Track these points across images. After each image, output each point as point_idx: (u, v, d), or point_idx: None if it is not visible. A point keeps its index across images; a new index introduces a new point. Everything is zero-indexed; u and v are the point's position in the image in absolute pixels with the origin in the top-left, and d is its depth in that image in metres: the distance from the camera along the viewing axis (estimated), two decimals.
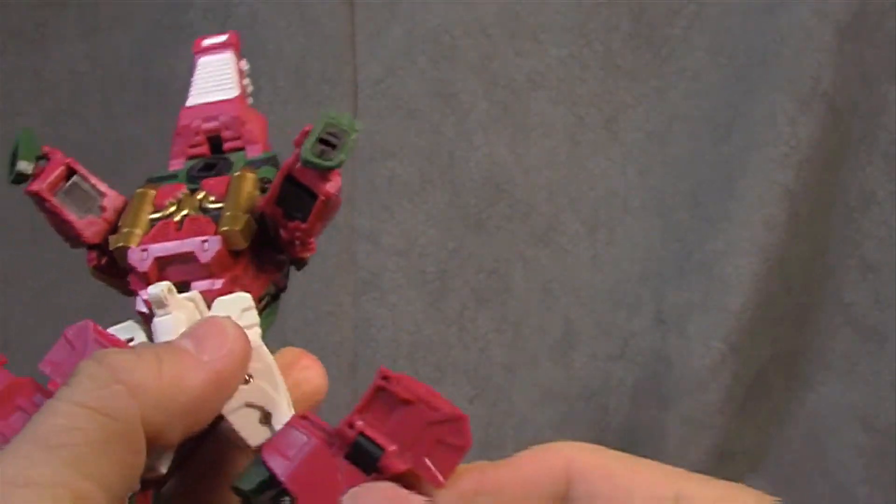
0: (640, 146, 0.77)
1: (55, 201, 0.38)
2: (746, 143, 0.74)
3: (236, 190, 0.37)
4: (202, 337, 0.32)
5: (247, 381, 0.32)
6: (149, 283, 0.35)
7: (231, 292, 0.35)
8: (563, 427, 0.75)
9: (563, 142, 0.77)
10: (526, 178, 0.77)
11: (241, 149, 0.41)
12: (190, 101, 0.43)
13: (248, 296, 0.35)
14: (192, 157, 0.41)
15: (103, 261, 0.39)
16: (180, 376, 0.30)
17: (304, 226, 0.36)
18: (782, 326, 0.76)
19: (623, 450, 0.32)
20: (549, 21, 0.77)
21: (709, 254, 0.74)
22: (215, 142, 0.41)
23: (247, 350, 0.32)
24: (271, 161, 0.39)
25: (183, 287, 0.35)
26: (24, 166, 0.38)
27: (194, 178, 0.39)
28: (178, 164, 0.41)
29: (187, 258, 0.35)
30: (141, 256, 0.36)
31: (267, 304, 0.38)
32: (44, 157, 0.39)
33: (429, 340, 0.75)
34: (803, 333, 0.77)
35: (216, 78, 0.45)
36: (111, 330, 0.35)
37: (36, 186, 0.38)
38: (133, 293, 0.37)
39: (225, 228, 0.35)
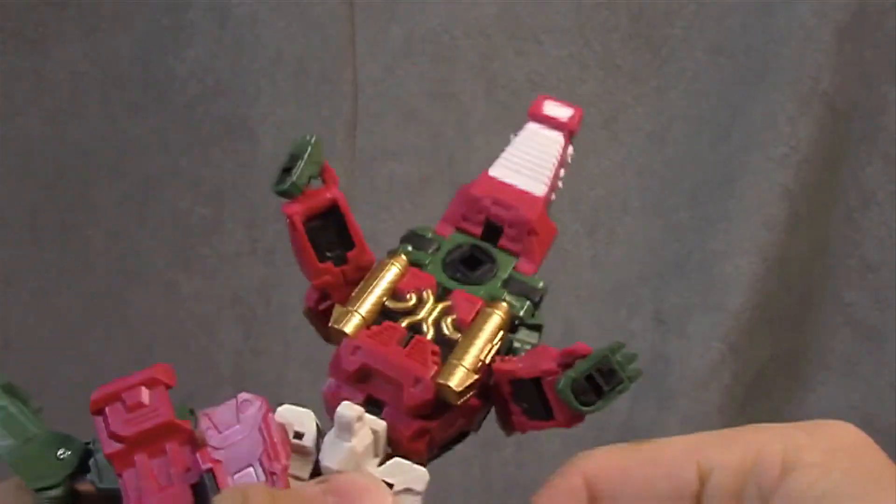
0: (640, 146, 0.77)
1: (304, 232, 0.34)
2: (746, 143, 0.74)
3: (477, 333, 0.33)
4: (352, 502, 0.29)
5: None
6: (348, 378, 0.32)
7: (418, 436, 0.32)
8: None
9: None
10: None
11: (515, 254, 0.36)
12: (494, 170, 0.38)
13: (425, 478, 0.31)
14: (460, 230, 0.37)
15: (321, 306, 0.35)
16: None
17: (523, 418, 0.33)
18: (782, 326, 0.76)
19: None
20: (549, 21, 0.77)
21: (709, 254, 0.74)
22: (492, 227, 0.37)
23: None
24: (534, 294, 0.35)
25: (374, 405, 0.32)
26: (294, 185, 0.33)
27: (449, 270, 0.35)
28: (446, 229, 0.37)
29: (394, 382, 0.32)
30: (351, 352, 0.32)
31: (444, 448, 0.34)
32: (319, 176, 0.34)
33: None
34: (803, 333, 0.77)
35: (535, 160, 0.39)
36: (287, 411, 0.31)
37: (292, 209, 0.33)
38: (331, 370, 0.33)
39: (443, 384, 0.32)
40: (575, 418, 0.31)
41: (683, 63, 0.77)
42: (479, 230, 0.37)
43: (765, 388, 0.77)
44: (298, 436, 0.31)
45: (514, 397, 0.33)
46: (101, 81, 0.77)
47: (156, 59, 0.77)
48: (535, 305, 0.35)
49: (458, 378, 0.32)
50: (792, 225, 0.73)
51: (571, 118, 0.39)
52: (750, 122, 0.74)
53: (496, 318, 0.34)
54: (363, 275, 0.35)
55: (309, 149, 0.33)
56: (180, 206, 0.76)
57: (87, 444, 0.33)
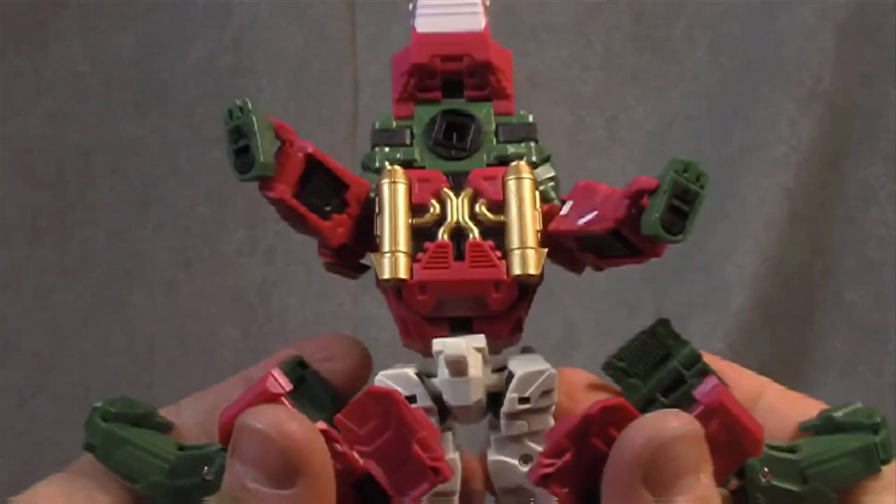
0: (641, 146, 0.77)
1: (299, 205, 0.31)
2: (746, 143, 0.74)
3: (520, 207, 0.31)
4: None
5: None
6: (424, 318, 0.31)
7: (516, 328, 0.32)
8: None
9: (563, 142, 0.77)
10: None
11: (487, 98, 0.34)
12: (421, 25, 0.34)
13: (553, 372, 0.31)
14: (421, 102, 0.34)
15: (338, 257, 0.33)
16: None
17: (596, 260, 0.32)
18: (782, 326, 0.76)
19: None
20: (549, 21, 0.77)
21: (709, 254, 0.74)
22: (450, 82, 0.34)
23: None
24: (531, 132, 0.33)
25: (461, 324, 0.31)
26: (265, 165, 0.30)
27: (439, 151, 0.33)
28: (404, 108, 0.34)
29: (474, 297, 0.31)
30: (419, 293, 0.31)
31: None
32: (280, 142, 0.31)
33: None
34: (803, 333, 0.77)
35: None
36: (387, 378, 0.31)
37: (278, 193, 0.31)
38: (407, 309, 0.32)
39: (520, 273, 0.30)
40: (662, 248, 0.30)
41: (684, 63, 0.77)
42: (438, 93, 0.34)
43: None
44: (410, 399, 0.30)
45: (581, 247, 0.32)
46: (101, 81, 0.77)
47: (156, 59, 0.77)
48: (535, 139, 0.34)
49: (533, 262, 0.31)
50: (792, 225, 0.73)
51: None
52: (750, 122, 0.74)
53: (527, 183, 0.32)
54: (367, 205, 0.32)
55: (253, 118, 0.30)
56: (180, 206, 0.76)
57: (223, 450, 0.31)
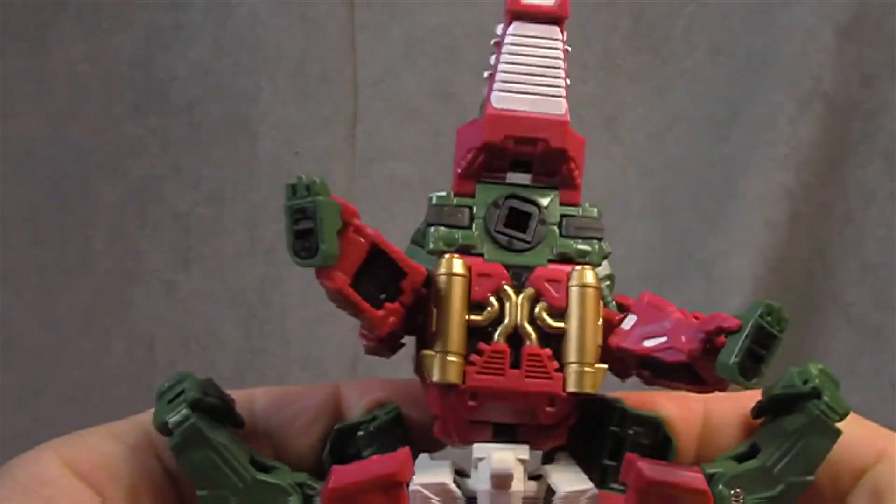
0: (640, 146, 0.77)
1: (356, 295, 0.29)
2: (746, 143, 0.74)
3: (582, 319, 0.30)
4: None
5: None
6: (470, 423, 0.30)
7: (561, 438, 0.31)
8: None
9: None
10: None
11: (553, 186, 0.32)
12: (497, 101, 0.32)
13: (595, 492, 0.30)
14: (483, 181, 0.32)
15: (380, 342, 0.32)
16: None
17: (651, 378, 0.31)
18: None
19: None
20: None
21: (709, 254, 0.74)
22: (518, 160, 0.32)
23: None
24: (597, 230, 0.31)
25: (503, 430, 0.30)
26: (331, 256, 0.28)
27: (499, 239, 0.31)
28: (466, 185, 0.32)
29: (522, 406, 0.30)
30: (470, 399, 0.29)
31: None
32: (343, 225, 0.29)
33: None
34: (803, 333, 0.77)
35: (542, 70, 0.32)
36: (425, 485, 0.29)
37: (338, 284, 0.29)
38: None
39: (576, 391, 0.29)
40: (728, 384, 0.29)
41: (683, 63, 0.77)
42: (504, 174, 0.32)
43: None
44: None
45: (639, 365, 0.31)
46: (101, 81, 0.77)
47: (156, 59, 0.77)
48: (600, 237, 0.32)
49: (591, 381, 0.30)
50: (792, 225, 0.73)
51: (561, 2, 0.31)
52: (750, 122, 0.74)
53: (591, 293, 0.30)
54: (422, 293, 0.31)
55: (321, 200, 0.28)
56: (180, 206, 0.76)
57: (300, 484, 0.31)
